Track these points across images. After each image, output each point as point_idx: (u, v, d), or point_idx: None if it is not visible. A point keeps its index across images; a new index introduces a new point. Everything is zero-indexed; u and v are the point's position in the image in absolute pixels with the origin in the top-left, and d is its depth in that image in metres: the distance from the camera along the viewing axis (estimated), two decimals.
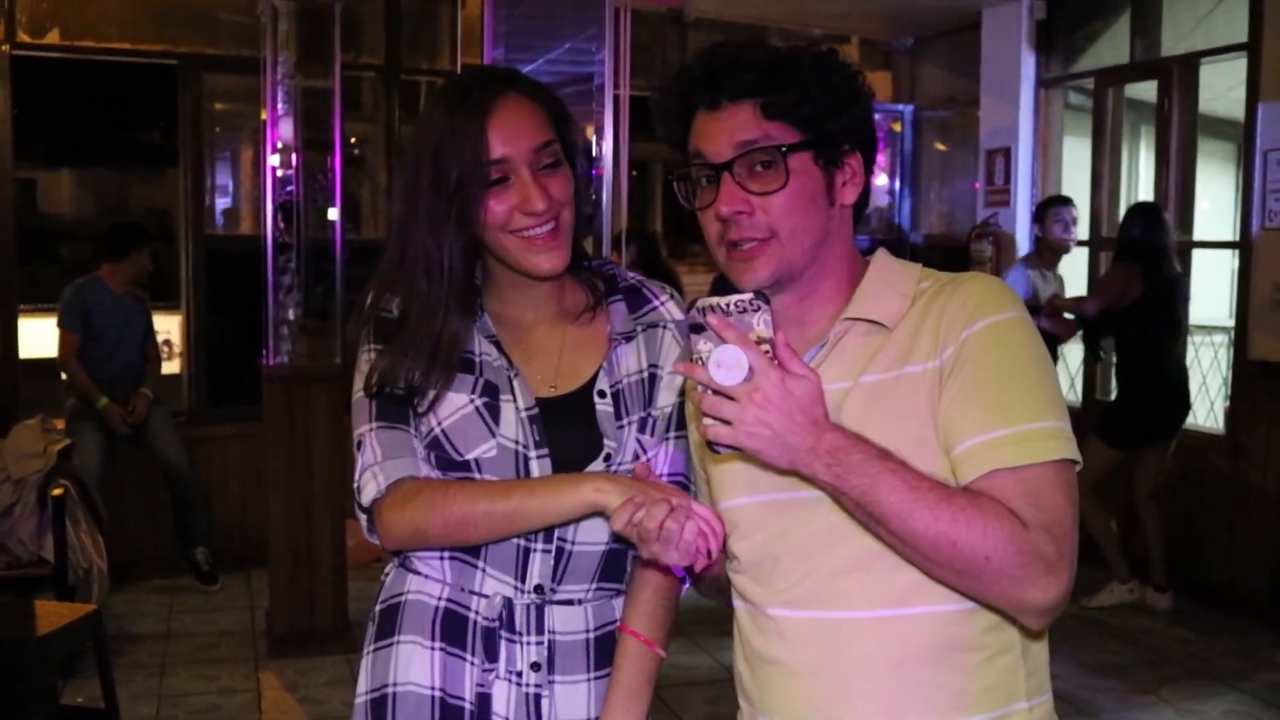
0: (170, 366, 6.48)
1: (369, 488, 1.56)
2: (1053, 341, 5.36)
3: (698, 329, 1.29)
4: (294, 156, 5.08)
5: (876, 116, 1.53)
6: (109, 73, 7.79)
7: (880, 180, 7.58)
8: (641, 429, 1.63)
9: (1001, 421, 1.32)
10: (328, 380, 4.76)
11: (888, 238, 7.46)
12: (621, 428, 1.61)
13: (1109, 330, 5.42)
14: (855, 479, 1.28)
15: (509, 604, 1.59)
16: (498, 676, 1.58)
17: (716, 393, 1.28)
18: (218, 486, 5.96)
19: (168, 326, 6.57)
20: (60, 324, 5.50)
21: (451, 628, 1.60)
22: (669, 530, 1.38)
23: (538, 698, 1.59)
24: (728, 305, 1.30)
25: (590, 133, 4.16)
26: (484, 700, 1.58)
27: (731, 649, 1.57)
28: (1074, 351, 6.15)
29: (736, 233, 1.42)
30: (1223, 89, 6.09)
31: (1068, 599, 1.32)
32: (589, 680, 1.62)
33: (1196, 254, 5.94)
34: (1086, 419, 5.44)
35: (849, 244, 1.50)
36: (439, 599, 1.62)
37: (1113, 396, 5.67)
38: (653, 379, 1.66)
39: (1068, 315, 5.57)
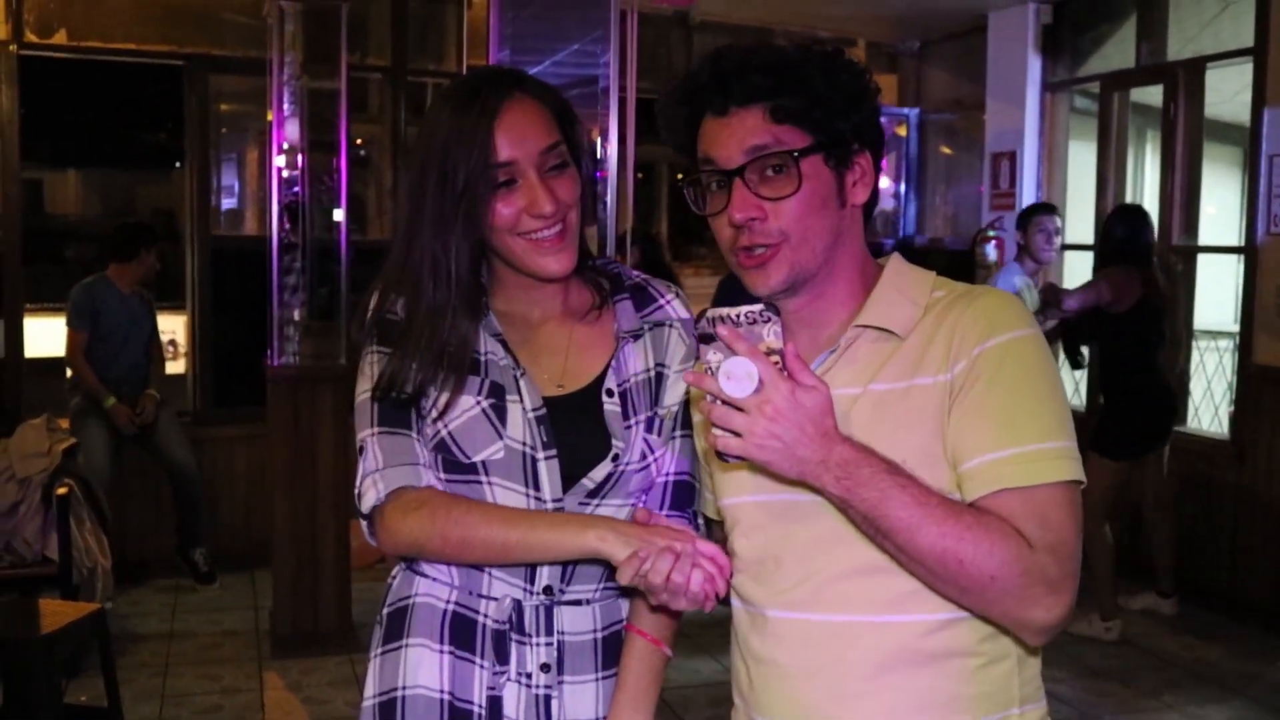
0: (175, 367, 6.50)
1: (369, 494, 1.55)
2: None
3: (707, 339, 1.29)
4: (299, 157, 5.09)
5: (882, 120, 1.53)
6: (115, 73, 7.82)
7: (885, 183, 7.57)
8: (648, 428, 1.63)
9: (1011, 440, 1.33)
10: (332, 381, 4.76)
11: (885, 240, 7.46)
12: (629, 427, 1.61)
13: (1095, 334, 5.19)
14: (864, 492, 1.29)
15: (518, 606, 1.58)
16: (508, 679, 1.58)
17: (727, 404, 1.29)
18: (222, 487, 5.97)
19: (173, 327, 6.58)
20: (69, 323, 5.51)
21: (460, 631, 1.60)
22: (675, 584, 1.40)
23: (547, 699, 1.59)
24: (738, 316, 1.30)
25: (595, 135, 4.16)
26: (494, 703, 1.58)
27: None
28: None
29: (749, 238, 1.42)
30: (1229, 94, 6.08)
31: (1070, 618, 1.33)
32: (597, 680, 1.62)
33: (1201, 259, 5.93)
34: (1090, 423, 5.41)
35: (860, 243, 1.50)
36: (447, 602, 1.61)
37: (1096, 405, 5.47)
38: (659, 378, 1.65)
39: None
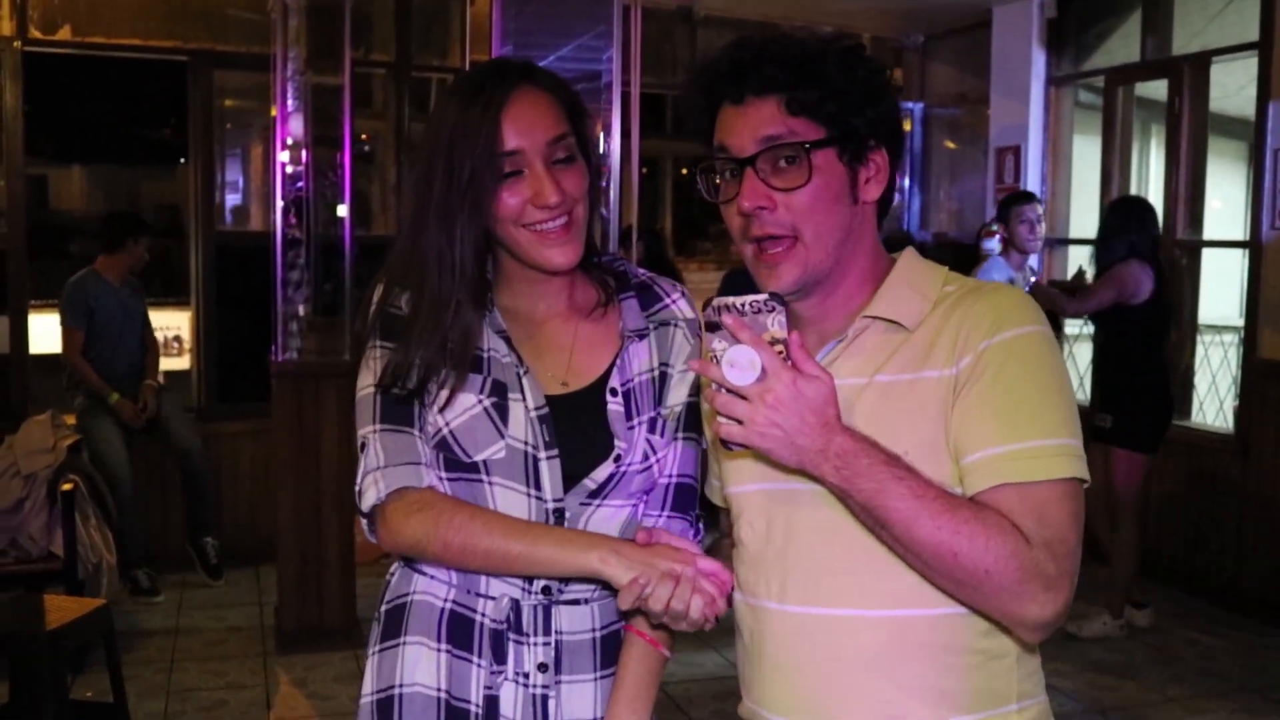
0: (180, 362, 6.50)
1: (370, 492, 1.54)
2: None
3: (713, 327, 1.30)
4: (304, 153, 5.09)
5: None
6: (120, 69, 7.82)
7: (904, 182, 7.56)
8: (651, 429, 1.62)
9: (1013, 436, 1.33)
10: (337, 376, 4.76)
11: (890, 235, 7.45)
12: (632, 428, 1.60)
13: (1108, 329, 5.10)
14: (862, 483, 1.29)
15: (516, 605, 1.58)
16: (506, 678, 1.57)
17: (731, 391, 1.29)
18: (227, 482, 5.97)
19: (177, 322, 6.59)
20: (65, 322, 5.46)
21: (457, 630, 1.59)
22: (675, 610, 1.42)
23: (545, 698, 1.58)
24: (743, 305, 1.30)
25: (598, 130, 4.17)
26: (491, 702, 1.57)
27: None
28: (1083, 351, 6.14)
29: (759, 228, 1.42)
30: (1234, 88, 6.07)
31: (1065, 617, 1.33)
32: (595, 680, 1.61)
33: (1206, 253, 5.92)
34: (1092, 419, 5.39)
35: (873, 240, 1.49)
36: (445, 600, 1.60)
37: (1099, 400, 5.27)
38: (663, 378, 1.64)
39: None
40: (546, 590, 1.58)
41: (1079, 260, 6.28)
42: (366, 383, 1.59)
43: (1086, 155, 6.59)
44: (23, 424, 4.81)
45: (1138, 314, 4.92)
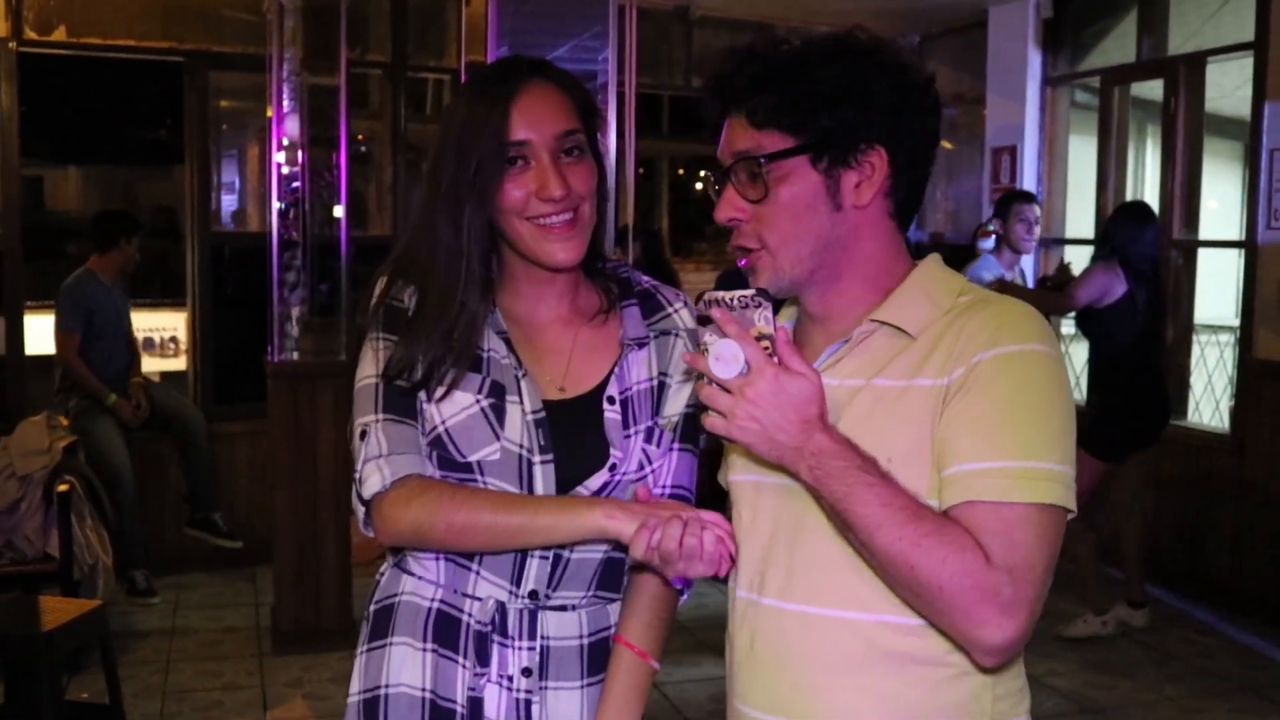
0: (176, 363, 6.49)
1: (373, 479, 1.53)
2: None
3: (705, 320, 1.32)
4: (300, 154, 5.09)
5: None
6: (115, 70, 7.82)
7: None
8: (648, 439, 1.61)
9: (993, 453, 1.30)
10: (333, 377, 4.76)
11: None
12: (628, 437, 1.60)
13: (1080, 330, 5.10)
14: (832, 484, 1.29)
15: (502, 608, 1.57)
16: (489, 681, 1.57)
17: (718, 385, 1.30)
18: (223, 482, 5.96)
19: (174, 323, 6.57)
20: (61, 324, 5.41)
21: (443, 629, 1.59)
22: (690, 546, 1.38)
23: (528, 703, 1.57)
24: (731, 300, 1.31)
25: None
26: (475, 704, 1.57)
27: None
28: (1079, 351, 6.13)
29: (735, 238, 1.44)
30: (1229, 88, 6.08)
31: (1021, 644, 1.30)
32: (582, 687, 1.60)
33: (1202, 253, 5.92)
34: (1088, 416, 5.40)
35: (882, 243, 1.44)
36: (432, 600, 1.60)
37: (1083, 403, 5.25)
38: (661, 387, 1.64)
39: None
40: (533, 594, 1.57)
41: (1077, 261, 6.28)
42: (368, 373, 1.59)
43: (1082, 155, 6.60)
44: (18, 425, 4.80)
45: (1105, 317, 4.86)
